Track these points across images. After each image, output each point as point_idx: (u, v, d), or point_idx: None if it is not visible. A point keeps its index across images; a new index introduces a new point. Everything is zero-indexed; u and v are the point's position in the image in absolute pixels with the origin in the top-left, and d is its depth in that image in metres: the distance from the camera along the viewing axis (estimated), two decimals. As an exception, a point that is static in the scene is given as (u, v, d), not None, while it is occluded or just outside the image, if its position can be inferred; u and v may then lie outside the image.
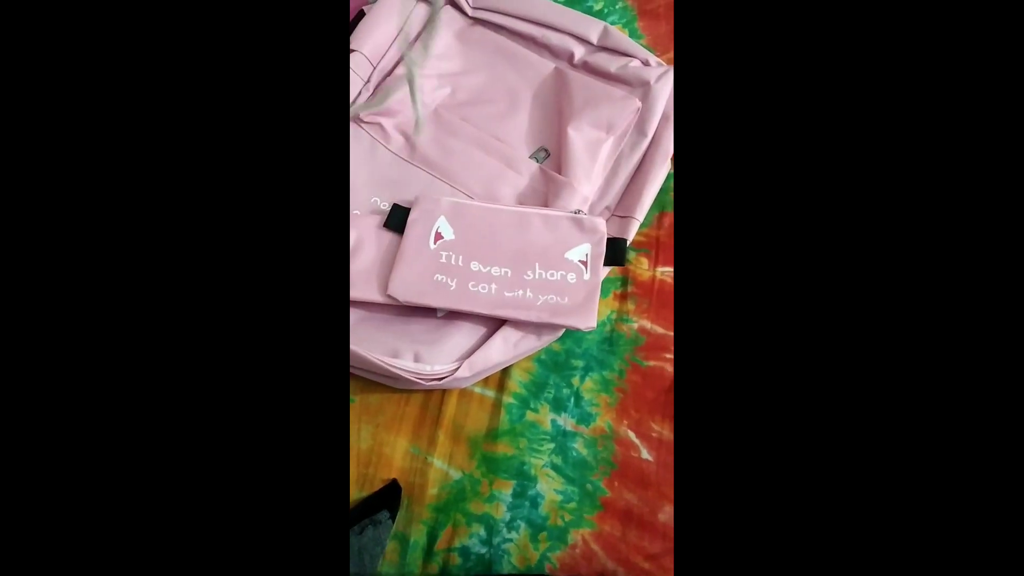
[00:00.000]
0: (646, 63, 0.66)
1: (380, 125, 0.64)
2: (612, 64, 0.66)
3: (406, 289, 0.55)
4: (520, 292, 0.56)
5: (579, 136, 0.62)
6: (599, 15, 0.72)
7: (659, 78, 0.64)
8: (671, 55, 0.69)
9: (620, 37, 0.67)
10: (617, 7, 0.72)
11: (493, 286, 0.56)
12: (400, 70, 0.66)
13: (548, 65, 0.68)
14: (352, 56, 0.65)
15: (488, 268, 0.56)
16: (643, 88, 0.65)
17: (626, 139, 0.63)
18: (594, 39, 0.67)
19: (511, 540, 0.54)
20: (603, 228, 0.58)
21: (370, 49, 0.65)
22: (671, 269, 0.62)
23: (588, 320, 0.55)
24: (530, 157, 0.64)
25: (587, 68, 0.68)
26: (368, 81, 0.66)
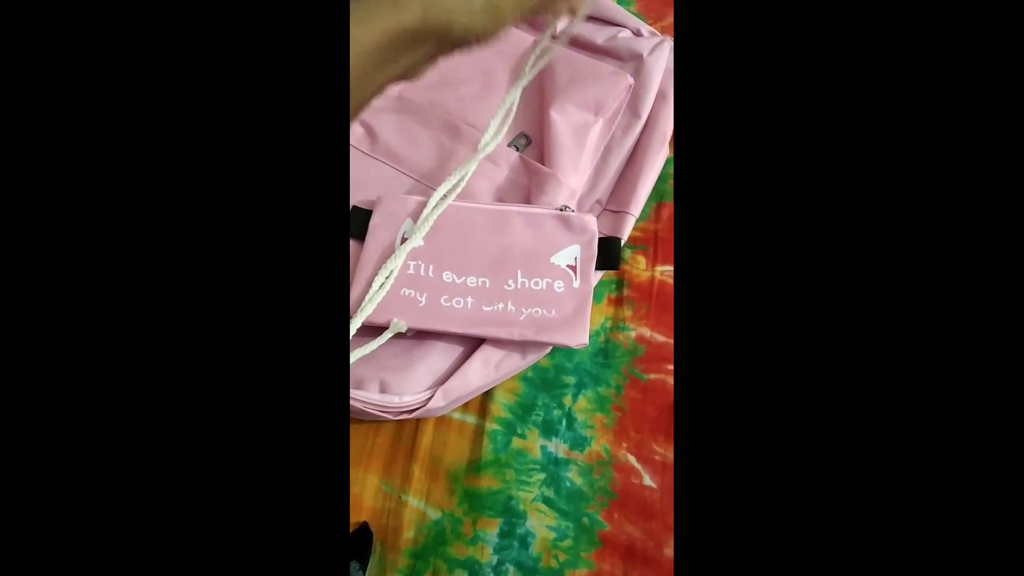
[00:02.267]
0: (637, 33, 0.58)
1: (336, 113, 0.56)
2: (599, 35, 0.58)
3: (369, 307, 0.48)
4: (500, 305, 0.49)
5: (564, 119, 0.55)
6: (583, -22, 0.63)
7: (653, 50, 0.56)
8: (666, 23, 0.61)
9: (607, 4, 0.59)
10: (603, -32, 0.64)
11: (469, 299, 0.49)
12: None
13: (526, 38, 0.60)
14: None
15: (463, 279, 0.49)
16: (635, 62, 0.57)
17: (617, 121, 0.56)
18: (578, 6, 0.58)
19: (499, 587, 0.48)
20: (594, 227, 0.51)
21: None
22: (671, 268, 0.55)
23: (579, 336, 0.48)
24: (509, 145, 0.56)
25: (571, 40, 0.60)
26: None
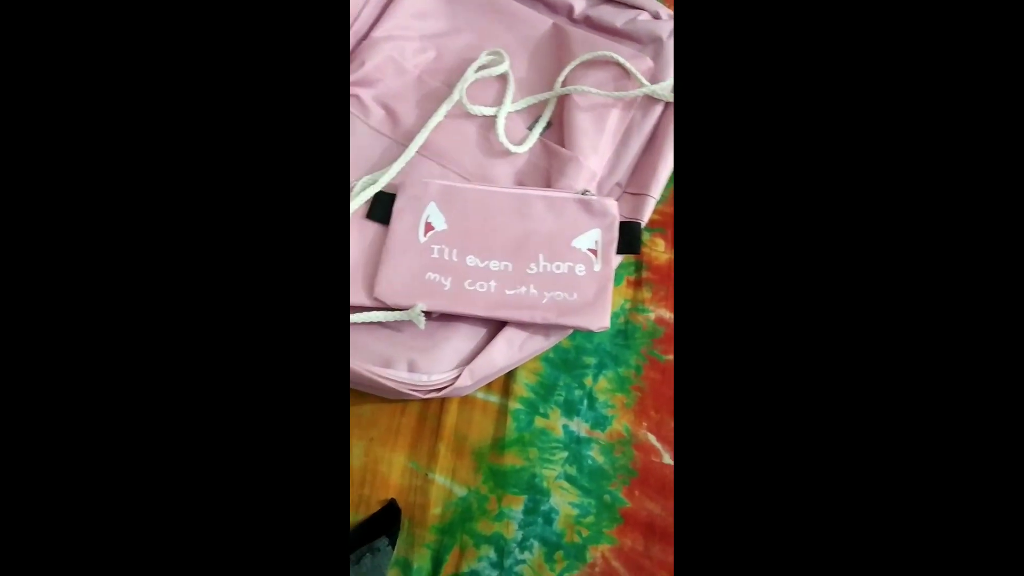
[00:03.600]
0: (656, 16, 0.58)
1: (358, 97, 0.57)
2: (618, 18, 0.58)
3: (395, 291, 0.49)
4: (523, 289, 0.49)
5: (584, 102, 0.55)
6: (601, -41, 0.63)
7: (673, 33, 0.56)
8: (684, 4, 0.61)
9: (627, -15, 0.58)
10: (620, -51, 0.63)
11: (493, 283, 0.49)
12: (378, 32, 0.58)
13: (545, 21, 0.60)
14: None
15: (486, 263, 0.50)
16: (654, 45, 0.57)
17: (637, 104, 0.56)
18: (597, -11, 0.58)
19: (524, 561, 0.49)
20: (615, 211, 0.51)
21: (341, 9, 0.57)
22: (690, 251, 0.56)
23: (601, 319, 0.49)
24: (528, 128, 0.57)
25: (589, 23, 0.60)
26: (340, 47, 0.58)
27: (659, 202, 0.56)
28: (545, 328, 0.50)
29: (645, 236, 0.56)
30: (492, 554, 0.49)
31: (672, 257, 0.56)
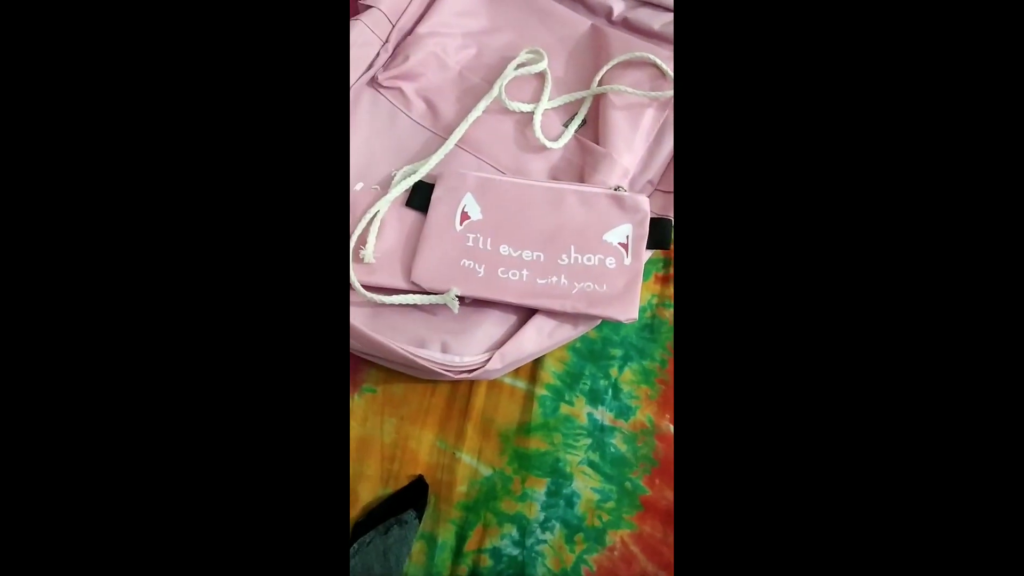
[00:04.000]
0: (694, 18, 0.60)
1: (400, 90, 0.59)
2: (655, 20, 0.60)
3: (431, 276, 0.51)
4: (554, 279, 0.51)
5: (619, 101, 0.57)
6: (640, -36, 0.64)
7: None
8: (721, 9, 0.62)
9: (665, -10, 0.60)
10: (660, -46, 0.65)
11: (524, 272, 0.51)
12: (423, 28, 0.60)
13: (584, 22, 0.61)
14: (368, 13, 0.59)
15: (519, 252, 0.52)
16: (691, 47, 0.58)
17: (671, 105, 0.57)
18: (636, -9, 0.60)
19: (545, 541, 0.51)
20: (646, 207, 0.53)
21: (388, 5, 0.59)
22: (718, 249, 0.57)
23: (629, 311, 0.51)
24: (564, 125, 0.58)
25: (627, 25, 0.61)
26: (387, 41, 0.60)
27: (689, 200, 0.57)
28: (574, 317, 0.52)
29: (674, 234, 0.58)
30: (514, 533, 0.51)
31: (700, 255, 0.58)
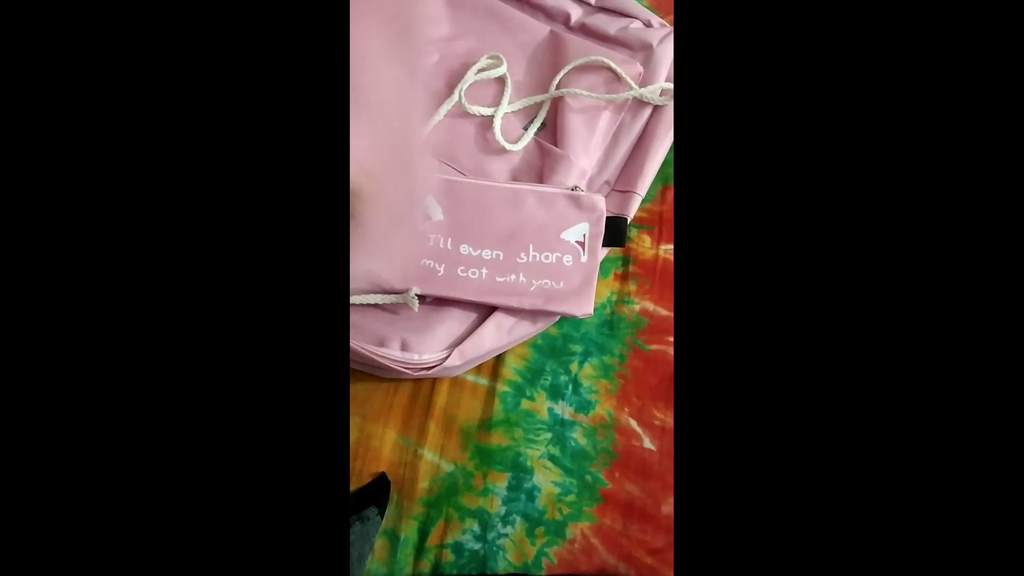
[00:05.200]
0: (648, 24, 0.61)
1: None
2: (611, 26, 0.61)
3: (391, 275, 0.52)
4: (512, 277, 0.52)
5: (576, 104, 0.58)
6: (598, -28, 0.66)
7: (662, 40, 0.59)
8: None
9: (621, -4, 0.62)
10: (617, -37, 0.67)
11: (484, 271, 0.52)
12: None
13: (543, 28, 0.63)
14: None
15: (479, 251, 0.53)
16: (645, 51, 0.60)
17: (627, 107, 0.59)
18: (592, -1, 0.62)
19: (506, 535, 0.52)
20: (602, 206, 0.54)
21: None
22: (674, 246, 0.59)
23: (585, 307, 0.52)
24: (523, 128, 0.60)
25: (584, 31, 0.63)
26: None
27: (645, 200, 0.59)
28: (532, 314, 0.53)
29: (632, 232, 0.59)
30: (476, 527, 0.52)
31: (657, 253, 0.59)
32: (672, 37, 0.60)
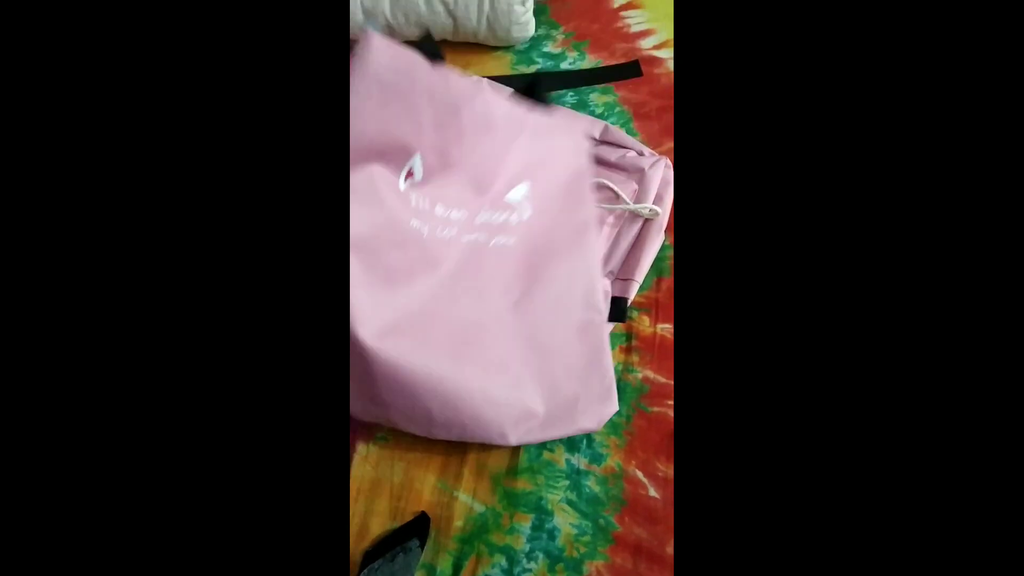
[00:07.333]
0: (641, 154, 0.78)
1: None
2: (612, 155, 0.78)
3: None
4: None
5: (587, 213, 0.73)
6: (601, 116, 0.85)
7: (652, 165, 0.75)
8: (662, 148, 0.81)
9: (619, 133, 0.79)
10: (616, 111, 0.86)
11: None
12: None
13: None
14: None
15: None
16: (639, 173, 0.76)
17: (625, 217, 0.74)
18: (597, 135, 0.79)
19: (530, 570, 0.58)
20: (608, 289, 0.67)
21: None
22: (670, 326, 0.70)
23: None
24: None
25: (592, 158, 0.79)
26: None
27: (643, 288, 0.72)
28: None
29: (633, 313, 0.71)
30: (504, 562, 0.59)
31: (655, 331, 0.71)
32: (660, 163, 0.75)
